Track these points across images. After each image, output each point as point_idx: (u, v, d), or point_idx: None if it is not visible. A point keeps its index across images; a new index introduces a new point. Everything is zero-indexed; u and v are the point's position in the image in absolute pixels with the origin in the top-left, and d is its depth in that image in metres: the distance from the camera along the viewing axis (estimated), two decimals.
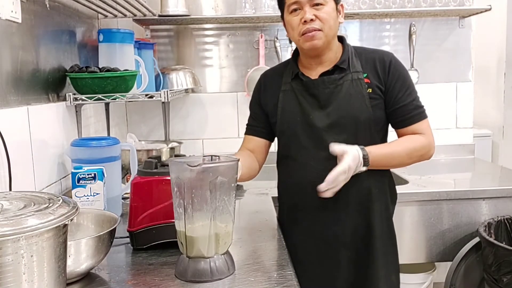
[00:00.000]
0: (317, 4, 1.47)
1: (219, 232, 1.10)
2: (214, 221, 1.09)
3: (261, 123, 1.66)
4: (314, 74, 1.57)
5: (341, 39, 1.61)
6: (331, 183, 1.37)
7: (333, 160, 1.46)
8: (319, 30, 1.47)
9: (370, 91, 1.52)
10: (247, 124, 1.71)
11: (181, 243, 1.11)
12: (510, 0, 2.94)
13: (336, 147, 1.40)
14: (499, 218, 2.14)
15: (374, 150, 1.46)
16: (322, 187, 1.37)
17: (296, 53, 1.63)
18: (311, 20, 1.46)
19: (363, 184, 1.53)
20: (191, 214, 1.08)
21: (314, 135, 1.53)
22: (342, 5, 1.55)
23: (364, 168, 1.43)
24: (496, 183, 2.45)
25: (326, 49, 1.53)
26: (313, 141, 1.53)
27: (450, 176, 2.65)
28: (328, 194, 1.39)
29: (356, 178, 1.45)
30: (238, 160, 1.14)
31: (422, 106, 1.55)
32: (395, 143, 1.54)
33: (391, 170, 1.67)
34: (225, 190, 1.09)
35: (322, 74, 1.55)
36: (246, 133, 1.70)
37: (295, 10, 1.49)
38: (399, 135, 1.57)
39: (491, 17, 2.85)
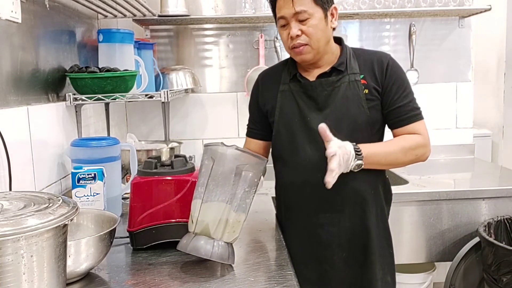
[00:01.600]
0: (303, 19, 1.46)
1: (230, 218, 1.15)
2: (230, 206, 1.15)
3: (260, 125, 1.67)
4: (312, 76, 1.57)
5: (339, 41, 1.60)
6: (333, 173, 1.32)
7: None
8: (306, 44, 1.48)
9: (367, 91, 1.52)
10: (247, 126, 1.72)
11: (192, 221, 1.16)
12: (510, 0, 2.94)
13: (325, 127, 1.35)
14: (499, 218, 2.14)
15: (367, 146, 1.45)
16: (329, 181, 1.33)
17: None
18: (297, 35, 1.46)
19: (357, 185, 1.53)
20: (212, 190, 1.14)
21: (311, 137, 1.53)
22: (335, 8, 1.52)
23: (359, 162, 1.40)
24: (496, 183, 2.45)
25: (321, 56, 1.53)
26: (310, 143, 1.54)
27: (450, 176, 2.65)
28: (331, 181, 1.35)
29: (350, 180, 1.45)
30: (267, 161, 1.21)
31: (419, 108, 1.55)
32: (389, 141, 1.54)
33: (389, 170, 1.66)
34: (248, 181, 1.16)
35: (320, 76, 1.55)
36: (247, 135, 1.72)
37: (283, 24, 1.50)
38: (395, 136, 1.56)
39: (491, 17, 2.85)
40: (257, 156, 1.20)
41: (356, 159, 1.39)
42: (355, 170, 1.41)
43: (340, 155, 1.34)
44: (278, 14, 1.50)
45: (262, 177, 1.54)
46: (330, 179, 1.32)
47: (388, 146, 1.51)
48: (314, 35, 1.47)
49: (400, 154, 1.50)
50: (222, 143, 1.18)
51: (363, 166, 1.42)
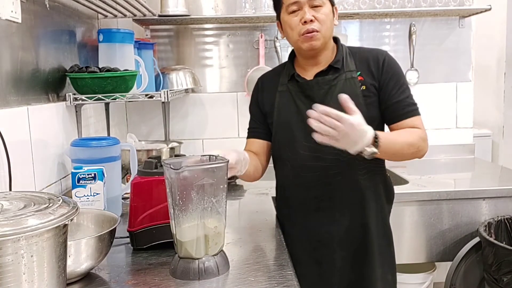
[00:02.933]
0: (316, 6, 1.48)
1: (209, 233, 1.11)
2: (203, 223, 1.10)
3: (261, 124, 1.66)
4: (309, 75, 1.58)
5: (335, 40, 1.61)
6: (320, 114, 1.26)
7: (328, 161, 1.48)
8: (317, 31, 1.49)
9: (364, 88, 1.52)
10: (248, 128, 1.71)
11: (175, 242, 1.13)
12: (510, 0, 2.94)
13: (347, 100, 1.29)
14: (499, 218, 2.14)
15: (383, 134, 1.39)
16: (311, 113, 1.27)
17: (292, 54, 1.64)
18: (311, 21, 1.47)
19: (356, 183, 1.53)
20: (178, 215, 1.09)
21: (309, 136, 1.53)
22: (336, 8, 1.56)
23: (373, 150, 1.32)
24: (496, 183, 2.45)
25: (322, 49, 1.54)
26: (308, 142, 1.54)
27: (450, 176, 2.65)
28: (316, 135, 1.29)
29: (349, 177, 1.46)
30: (228, 161, 1.14)
31: (416, 104, 1.55)
32: (396, 133, 1.50)
33: (389, 169, 1.65)
34: (213, 192, 1.10)
35: (317, 75, 1.56)
36: (248, 137, 1.70)
37: (294, 10, 1.50)
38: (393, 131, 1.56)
39: (491, 17, 2.85)
40: (213, 164, 1.12)
41: (369, 144, 1.31)
42: (368, 158, 1.35)
43: (353, 125, 1.26)
44: (290, 0, 1.50)
45: (246, 156, 1.46)
46: (316, 133, 1.27)
47: (398, 136, 1.47)
48: (326, 22, 1.49)
49: (406, 146, 1.45)
50: (171, 165, 1.07)
51: (378, 155, 1.35)
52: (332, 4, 1.54)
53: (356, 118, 1.29)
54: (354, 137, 1.29)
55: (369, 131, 1.32)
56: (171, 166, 1.06)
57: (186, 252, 1.11)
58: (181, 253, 1.12)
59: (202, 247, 1.11)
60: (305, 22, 1.47)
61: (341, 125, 1.26)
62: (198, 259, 1.10)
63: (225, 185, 1.12)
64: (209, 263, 1.11)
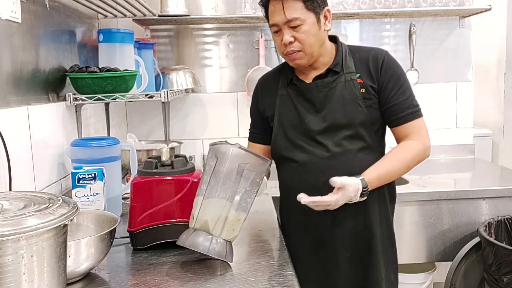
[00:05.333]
0: (295, 26, 1.46)
1: (230, 216, 1.16)
2: (230, 204, 1.16)
3: (261, 129, 1.68)
4: (308, 78, 1.57)
5: (335, 39, 1.60)
6: (313, 203, 1.41)
7: (332, 160, 1.49)
8: (299, 51, 1.48)
9: (364, 91, 1.51)
10: (249, 130, 1.73)
11: (193, 217, 1.18)
12: (510, 0, 2.94)
13: (336, 180, 1.39)
14: (499, 218, 2.14)
15: (373, 175, 1.45)
16: (302, 198, 1.40)
17: None
18: (290, 42, 1.47)
19: None
20: (213, 186, 1.15)
21: (311, 138, 1.54)
22: (328, 10, 1.51)
23: (363, 198, 1.44)
24: (496, 183, 2.45)
25: (314, 60, 1.53)
26: (309, 144, 1.54)
27: (450, 176, 2.65)
28: (313, 207, 1.43)
29: None
30: (270, 162, 1.23)
31: (417, 105, 1.54)
32: (390, 158, 1.51)
33: None
34: (250, 181, 1.17)
35: (316, 78, 1.56)
36: (249, 139, 1.73)
37: (276, 31, 1.51)
38: (394, 134, 1.57)
39: (491, 17, 2.85)
40: (260, 157, 1.21)
41: (359, 197, 1.42)
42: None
43: (339, 201, 1.40)
44: (271, 21, 1.50)
45: (266, 178, 1.55)
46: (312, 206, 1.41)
47: (391, 165, 1.51)
48: (307, 40, 1.47)
49: (404, 168, 1.52)
50: (226, 141, 1.19)
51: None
52: (318, 12, 1.47)
53: (340, 194, 1.39)
54: (347, 198, 1.41)
55: (359, 186, 1.41)
56: (227, 141, 1.19)
57: (205, 224, 1.15)
58: (199, 225, 1.15)
59: (219, 227, 1.15)
60: (284, 44, 1.48)
61: (333, 204, 1.40)
62: (212, 235, 1.15)
63: (261, 181, 1.20)
64: (220, 244, 1.15)
